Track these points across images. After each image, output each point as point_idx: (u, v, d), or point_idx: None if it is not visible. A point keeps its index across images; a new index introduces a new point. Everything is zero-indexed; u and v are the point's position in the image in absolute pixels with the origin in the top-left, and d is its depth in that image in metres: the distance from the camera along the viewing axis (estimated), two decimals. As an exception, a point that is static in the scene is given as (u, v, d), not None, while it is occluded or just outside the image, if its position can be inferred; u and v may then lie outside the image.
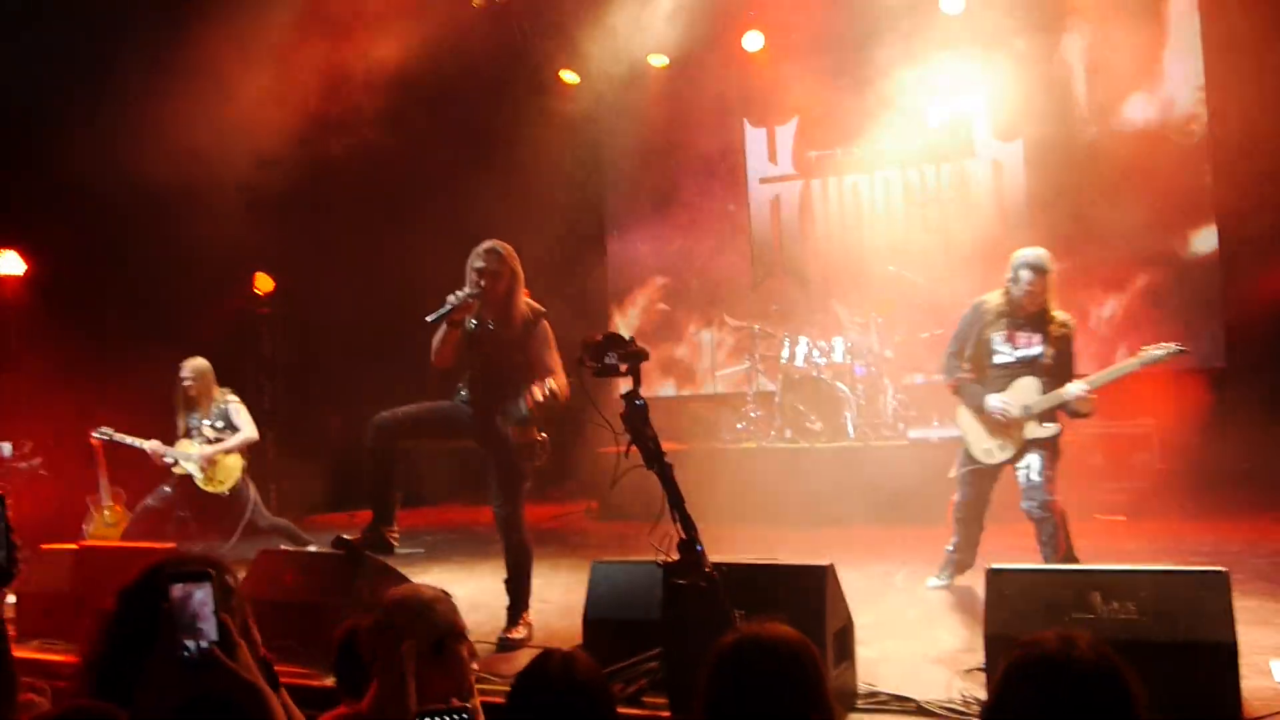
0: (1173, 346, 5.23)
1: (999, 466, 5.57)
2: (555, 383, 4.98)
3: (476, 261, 5.17)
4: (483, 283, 5.11)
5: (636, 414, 3.52)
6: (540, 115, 11.57)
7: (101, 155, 8.35)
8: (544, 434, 5.23)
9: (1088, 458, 8.61)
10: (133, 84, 8.57)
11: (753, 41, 11.03)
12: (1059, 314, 5.48)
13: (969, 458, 5.63)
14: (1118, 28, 9.89)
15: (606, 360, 3.53)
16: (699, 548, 3.42)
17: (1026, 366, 5.43)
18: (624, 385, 3.60)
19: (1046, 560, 5.18)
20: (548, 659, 2.46)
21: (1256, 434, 8.20)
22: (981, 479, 5.63)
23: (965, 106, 10.59)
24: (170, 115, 8.28)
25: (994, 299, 5.59)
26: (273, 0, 8.55)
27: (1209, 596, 3.49)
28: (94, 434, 7.62)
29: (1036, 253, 5.47)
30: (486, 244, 5.24)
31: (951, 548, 5.79)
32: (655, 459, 3.53)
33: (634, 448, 3.53)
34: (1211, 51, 9.43)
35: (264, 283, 11.00)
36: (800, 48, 11.10)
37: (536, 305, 5.33)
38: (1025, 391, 5.41)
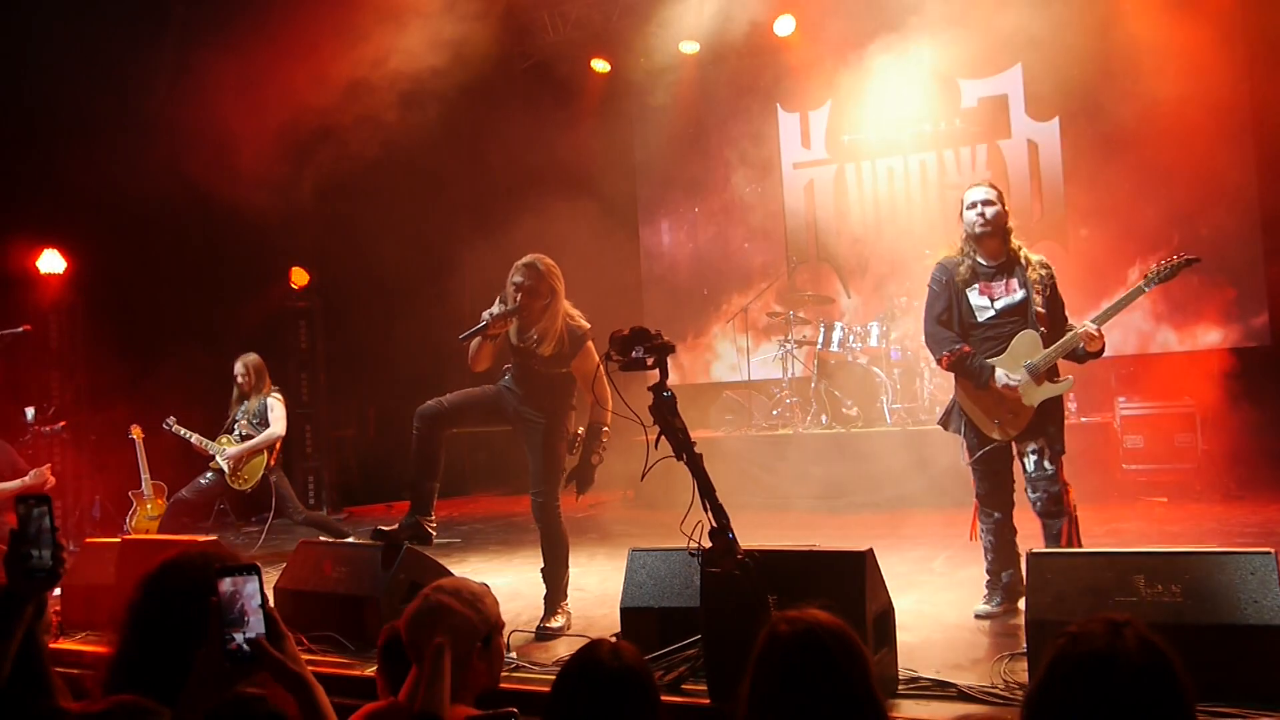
0: (1178, 259, 4.69)
1: (1010, 443, 4.88)
2: (606, 419, 5.03)
3: (515, 276, 5.06)
4: (519, 297, 5.03)
5: (665, 406, 3.54)
6: (572, 104, 11.58)
7: (139, 155, 8.46)
8: (580, 430, 5.23)
9: (1128, 439, 8.51)
10: (168, 84, 8.66)
11: (784, 26, 10.95)
12: (1033, 255, 4.91)
13: (981, 436, 4.87)
14: (1156, 6, 9.74)
15: (633, 354, 3.54)
16: (730, 535, 3.40)
17: (1016, 317, 4.81)
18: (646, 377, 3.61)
19: None
20: (596, 648, 2.46)
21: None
22: (1000, 460, 4.89)
23: (999, 87, 10.47)
24: (205, 114, 8.36)
25: (954, 255, 4.98)
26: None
27: (1255, 578, 3.43)
28: (164, 424, 7.75)
29: (976, 186, 4.93)
30: (527, 258, 5.11)
31: (989, 566, 4.89)
32: (685, 449, 3.53)
33: (664, 439, 3.55)
34: (1254, 29, 9.24)
35: (300, 277, 11.09)
36: (832, 31, 11.01)
37: (581, 324, 5.16)
38: (1026, 348, 4.79)
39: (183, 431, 7.65)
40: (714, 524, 3.42)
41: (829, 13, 10.81)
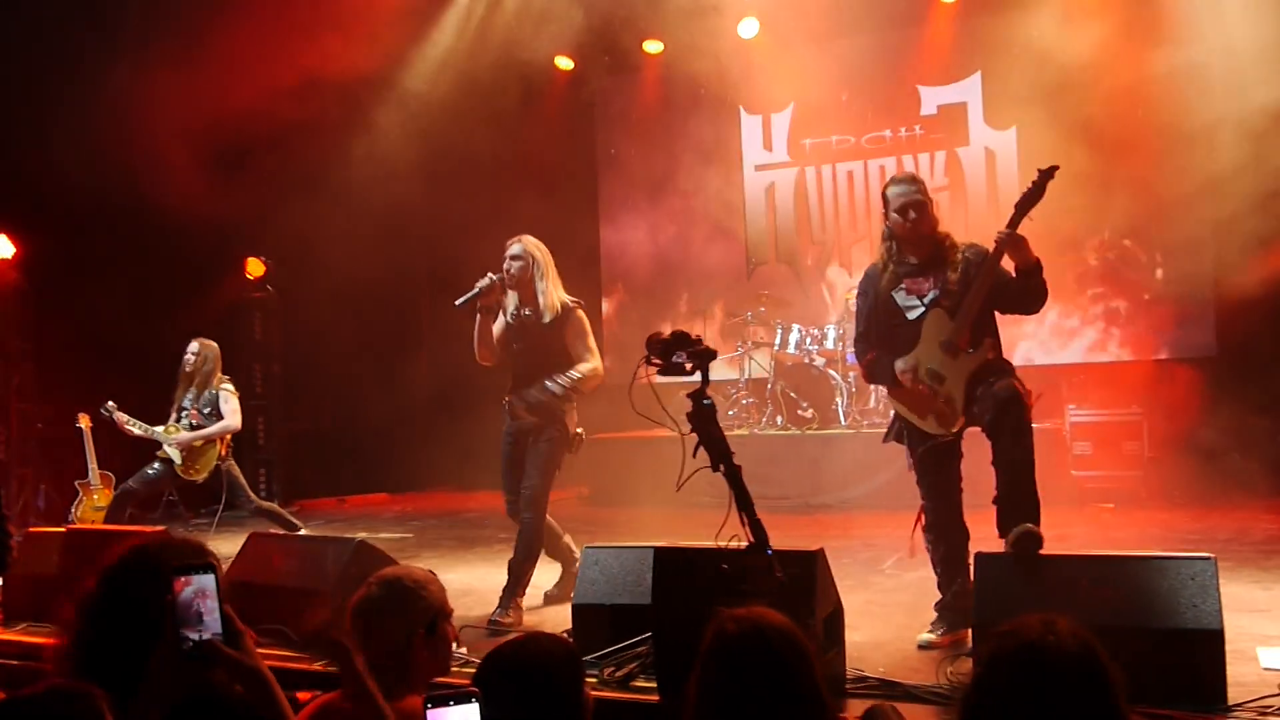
0: (1041, 173, 4.35)
1: (955, 444, 4.56)
2: (580, 369, 5.34)
3: (509, 252, 5.40)
4: (506, 267, 5.33)
5: (704, 414, 3.41)
6: (533, 101, 11.55)
7: (91, 139, 8.32)
8: (580, 430, 5.48)
9: (1077, 446, 8.65)
10: (120, 67, 8.52)
11: (748, 28, 10.99)
12: (958, 241, 4.59)
13: (918, 434, 4.57)
14: (1106, 17, 9.90)
15: (674, 359, 3.42)
16: (770, 552, 3.32)
17: (934, 306, 4.51)
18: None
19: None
20: (519, 642, 2.44)
21: (1246, 422, 8.25)
22: (943, 458, 4.54)
23: (959, 94, 10.59)
24: (157, 98, 8.25)
25: (877, 261, 4.74)
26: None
27: (1195, 583, 3.50)
28: (101, 409, 7.44)
29: (897, 184, 4.62)
30: (517, 239, 5.45)
31: (939, 582, 4.59)
32: (724, 459, 3.39)
33: (690, 445, 3.47)
34: (1210, 44, 9.41)
35: (255, 268, 10.97)
36: (795, 34, 11.07)
37: (570, 298, 5.48)
38: (936, 328, 4.47)
39: (125, 419, 7.27)
40: (751, 539, 3.32)
41: (793, 16, 10.86)
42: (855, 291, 5.04)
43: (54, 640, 2.21)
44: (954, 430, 4.48)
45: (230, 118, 8.63)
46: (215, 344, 7.37)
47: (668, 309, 11.88)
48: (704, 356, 3.41)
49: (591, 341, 5.49)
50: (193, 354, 7.25)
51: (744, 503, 3.32)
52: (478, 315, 5.37)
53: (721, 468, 3.37)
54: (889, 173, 10.88)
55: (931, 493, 4.59)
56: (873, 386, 9.24)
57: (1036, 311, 4.62)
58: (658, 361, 3.43)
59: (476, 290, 5.28)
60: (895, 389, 4.61)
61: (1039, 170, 4.36)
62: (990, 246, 4.42)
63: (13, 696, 1.87)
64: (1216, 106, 9.08)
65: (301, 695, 2.61)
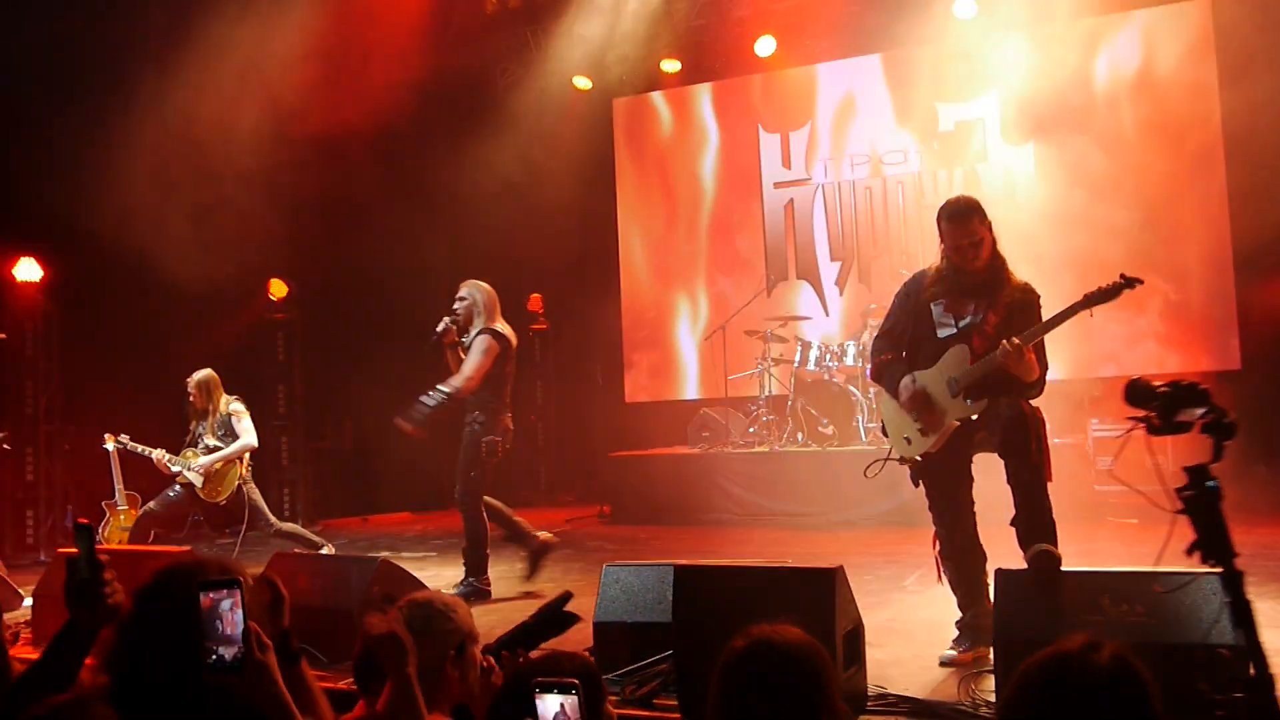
0: (1120, 280, 4.22)
1: (963, 468, 4.58)
2: (452, 384, 6.37)
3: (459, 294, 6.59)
4: (455, 307, 6.50)
5: (1209, 499, 2.36)
6: (552, 121, 11.63)
7: (118, 163, 8.43)
8: (495, 437, 6.44)
9: (1099, 461, 8.60)
10: (148, 91, 8.65)
11: (765, 47, 11.05)
12: (1019, 280, 4.51)
13: (895, 446, 4.67)
14: (1130, 33, 9.90)
15: (1179, 418, 2.43)
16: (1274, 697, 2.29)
17: (965, 336, 4.47)
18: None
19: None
20: (540, 661, 2.48)
21: (1272, 437, 8.17)
22: (949, 484, 4.55)
23: (976, 111, 10.59)
24: (186, 121, 8.35)
25: (930, 270, 4.69)
26: (286, 7, 8.61)
27: (1219, 599, 3.48)
28: (108, 441, 7.62)
29: (956, 198, 4.58)
30: (464, 282, 6.66)
31: (958, 602, 4.55)
32: (1224, 559, 2.33)
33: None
34: (1226, 55, 9.40)
35: (278, 289, 11.07)
36: (813, 53, 11.14)
37: (499, 327, 6.46)
38: (953, 363, 4.43)
39: (140, 448, 7.39)
40: (1255, 673, 2.32)
41: (810, 34, 10.93)
42: (882, 319, 5.02)
43: (89, 660, 2.25)
44: (921, 452, 4.54)
45: (255, 139, 8.74)
46: (210, 370, 7.44)
47: (686, 325, 11.91)
48: (1223, 430, 2.41)
49: (475, 363, 6.36)
50: (192, 389, 7.35)
51: (1244, 618, 2.33)
52: (446, 352, 6.51)
53: (1220, 570, 2.34)
54: (907, 189, 10.90)
55: (942, 519, 4.58)
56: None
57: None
58: (1151, 417, 2.47)
59: (435, 334, 6.47)
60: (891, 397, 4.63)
61: (1122, 275, 4.23)
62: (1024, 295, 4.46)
63: (21, 716, 1.89)
64: (1236, 121, 9.07)
65: None
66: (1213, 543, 2.39)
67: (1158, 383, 2.45)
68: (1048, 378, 4.45)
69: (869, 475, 4.81)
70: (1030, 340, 4.24)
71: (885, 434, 4.82)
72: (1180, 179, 9.61)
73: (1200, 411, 2.41)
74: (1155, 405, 2.48)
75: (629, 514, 9.37)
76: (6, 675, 2.27)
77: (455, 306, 6.51)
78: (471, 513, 6.44)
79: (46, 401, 9.67)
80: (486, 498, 6.53)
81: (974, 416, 4.39)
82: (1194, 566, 2.39)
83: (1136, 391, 2.49)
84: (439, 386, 6.37)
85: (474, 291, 6.56)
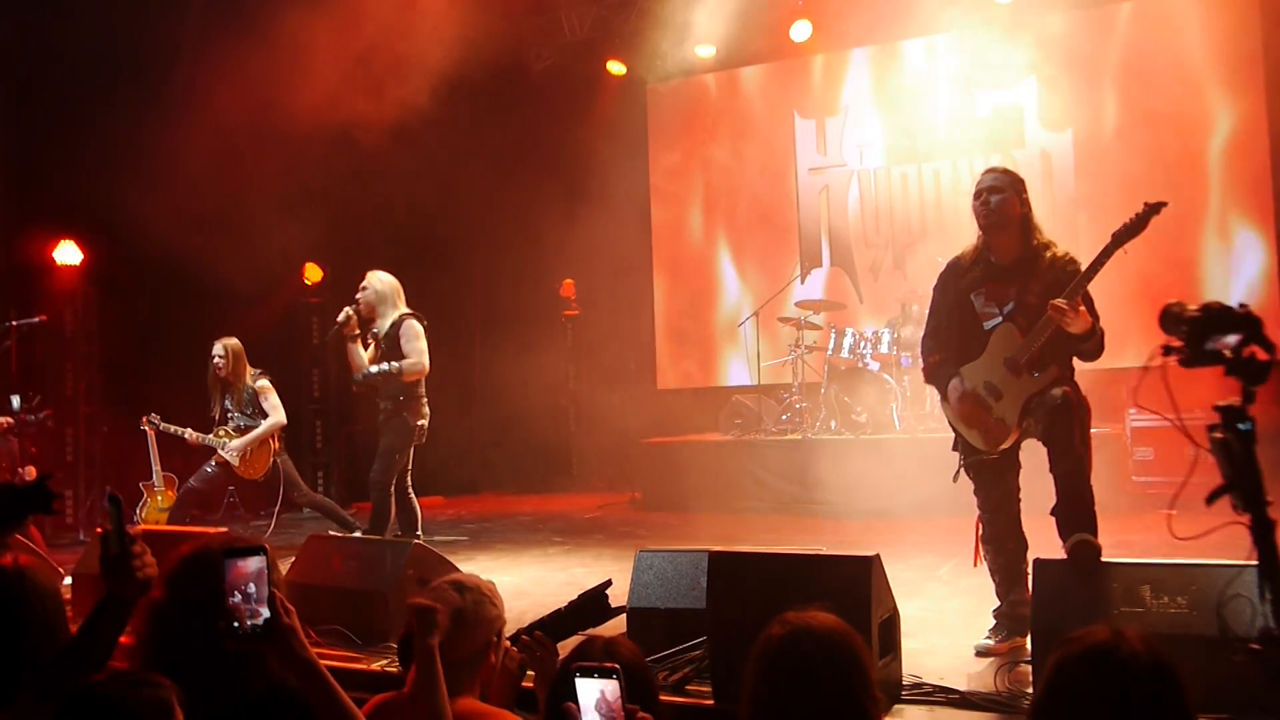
0: (1144, 208, 4.10)
1: (1012, 455, 4.46)
2: (406, 365, 6.44)
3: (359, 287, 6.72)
4: (357, 299, 6.62)
5: (1244, 442, 2.09)
6: (586, 106, 11.61)
7: (157, 146, 8.50)
8: (424, 422, 6.56)
9: (1138, 451, 8.50)
10: (186, 75, 8.70)
11: (800, 31, 10.97)
12: (1060, 251, 4.36)
13: (968, 445, 4.48)
14: (1170, 19, 9.74)
15: (1207, 345, 2.10)
16: None
17: (1011, 318, 4.33)
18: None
19: None
20: (591, 644, 2.48)
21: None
22: (1000, 471, 4.44)
23: (1014, 97, 10.46)
24: (222, 107, 8.40)
25: (968, 252, 4.52)
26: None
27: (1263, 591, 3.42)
28: (145, 421, 7.78)
29: (986, 172, 4.45)
30: (368, 272, 6.75)
31: (996, 589, 4.47)
32: (1257, 507, 2.11)
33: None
34: (1273, 45, 9.22)
35: (313, 273, 11.14)
36: (848, 38, 11.04)
37: (407, 310, 6.60)
38: (1002, 344, 4.31)
39: (172, 428, 7.61)
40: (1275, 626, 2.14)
41: (846, 19, 10.83)
42: (917, 305, 4.94)
43: (126, 640, 2.27)
44: (1001, 448, 4.38)
45: (290, 123, 8.76)
46: (235, 339, 7.58)
47: (720, 313, 11.88)
48: (1250, 369, 2.07)
49: (416, 346, 6.49)
50: (219, 356, 7.46)
51: (1272, 570, 2.13)
52: (346, 343, 6.54)
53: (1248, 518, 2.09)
54: (943, 176, 10.81)
55: (987, 504, 4.48)
56: (928, 390, 9.15)
57: (1092, 362, 4.41)
58: (1178, 345, 2.15)
59: (336, 324, 6.54)
60: (951, 400, 4.53)
61: (1145, 204, 4.12)
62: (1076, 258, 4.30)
63: (86, 685, 1.92)
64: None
65: None
66: (1244, 487, 2.13)
67: (1192, 305, 2.15)
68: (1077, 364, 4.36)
69: (956, 481, 4.58)
70: (1075, 294, 4.10)
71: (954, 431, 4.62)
72: (1222, 168, 9.45)
73: (1234, 340, 2.07)
74: (1183, 331, 2.15)
75: (660, 500, 9.37)
76: (65, 636, 2.31)
77: (358, 297, 6.63)
78: (382, 496, 6.48)
79: (86, 383, 9.80)
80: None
81: (1049, 383, 4.22)
82: (1235, 559, 2.32)
83: (1169, 316, 2.19)
84: (383, 365, 6.47)
85: (376, 282, 6.66)
